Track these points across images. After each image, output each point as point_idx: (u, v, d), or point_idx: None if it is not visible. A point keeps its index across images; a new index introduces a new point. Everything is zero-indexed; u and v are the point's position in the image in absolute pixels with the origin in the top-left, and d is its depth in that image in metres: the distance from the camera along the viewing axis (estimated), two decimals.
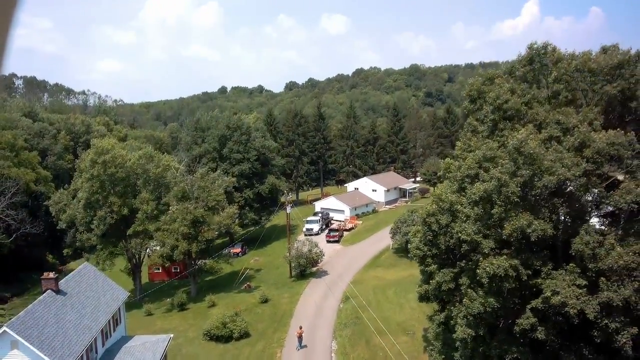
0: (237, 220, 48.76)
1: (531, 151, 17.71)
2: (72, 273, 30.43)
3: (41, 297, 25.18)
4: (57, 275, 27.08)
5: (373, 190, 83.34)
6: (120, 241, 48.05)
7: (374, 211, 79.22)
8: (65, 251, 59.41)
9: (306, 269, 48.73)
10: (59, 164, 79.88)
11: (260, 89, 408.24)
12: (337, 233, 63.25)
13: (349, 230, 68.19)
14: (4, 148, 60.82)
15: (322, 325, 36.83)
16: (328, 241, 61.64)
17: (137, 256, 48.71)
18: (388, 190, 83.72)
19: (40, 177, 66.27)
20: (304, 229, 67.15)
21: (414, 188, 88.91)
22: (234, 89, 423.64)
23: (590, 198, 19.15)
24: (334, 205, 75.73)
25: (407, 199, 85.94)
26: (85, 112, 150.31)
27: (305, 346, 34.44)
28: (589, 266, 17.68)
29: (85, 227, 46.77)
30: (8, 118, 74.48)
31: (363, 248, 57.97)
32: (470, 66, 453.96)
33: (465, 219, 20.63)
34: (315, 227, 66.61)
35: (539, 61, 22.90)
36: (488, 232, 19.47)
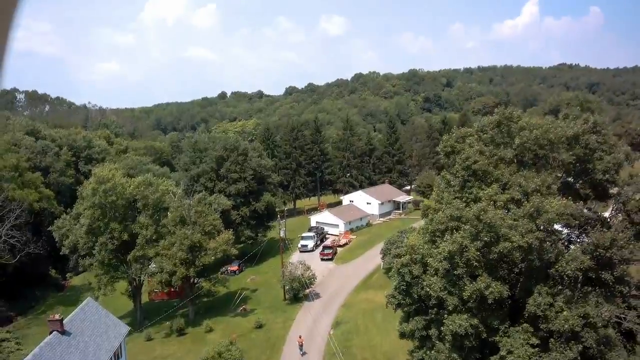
0: (232, 245, 50.38)
1: (489, 221, 19.68)
2: (76, 311, 32.36)
3: (48, 339, 27.12)
4: (62, 316, 28.93)
5: (367, 203, 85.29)
6: (121, 265, 50.07)
7: (368, 224, 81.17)
8: (68, 275, 61.38)
9: (299, 292, 50.64)
10: (61, 181, 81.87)
11: (259, 94, 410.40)
12: (331, 251, 65.17)
13: (343, 246, 70.13)
14: (9, 171, 62.79)
15: (312, 353, 38.79)
16: (322, 259, 63.59)
17: (137, 280, 50.70)
18: (382, 203, 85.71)
19: (43, 196, 68.24)
20: (299, 245, 69.15)
21: (408, 201, 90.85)
22: (233, 94, 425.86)
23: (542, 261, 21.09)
24: (329, 219, 77.64)
25: (401, 211, 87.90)
26: (86, 124, 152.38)
27: (306, 353, 38.97)
28: (541, 326, 19.64)
29: (87, 252, 48.83)
30: (10, 140, 76.43)
31: (355, 267, 59.92)
32: (468, 70, 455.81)
33: (434, 272, 22.59)
34: (310, 244, 68.55)
35: (506, 124, 24.85)
36: (452, 289, 21.43)
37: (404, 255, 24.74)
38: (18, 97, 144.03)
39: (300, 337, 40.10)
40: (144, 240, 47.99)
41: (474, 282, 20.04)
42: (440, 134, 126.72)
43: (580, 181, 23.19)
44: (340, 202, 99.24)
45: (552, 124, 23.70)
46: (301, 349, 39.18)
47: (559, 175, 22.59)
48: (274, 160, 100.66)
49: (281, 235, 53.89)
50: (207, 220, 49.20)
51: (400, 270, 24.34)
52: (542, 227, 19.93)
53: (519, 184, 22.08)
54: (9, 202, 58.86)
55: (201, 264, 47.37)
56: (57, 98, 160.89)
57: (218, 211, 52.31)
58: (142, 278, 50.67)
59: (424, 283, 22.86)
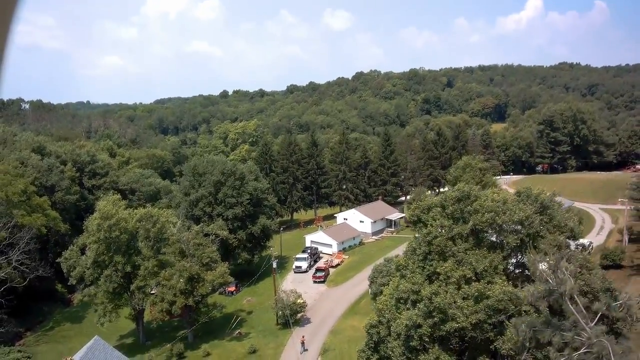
0: (227, 276, 53.89)
1: (439, 305, 23.07)
2: (84, 349, 35.96)
3: None
4: (71, 359, 32.52)
5: (361, 222, 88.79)
6: (125, 294, 53.69)
7: (361, 243, 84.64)
8: (76, 301, 64.92)
9: (291, 317, 54.19)
10: (66, 199, 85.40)
11: (261, 93, 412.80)
12: (323, 273, 68.66)
13: (336, 266, 73.66)
14: (18, 197, 66.20)
15: None
16: (314, 281, 67.21)
17: (139, 306, 54.31)
18: (375, 222, 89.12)
19: (50, 219, 71.72)
20: (294, 267, 72.83)
21: (400, 217, 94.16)
22: (235, 92, 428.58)
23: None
24: (323, 239, 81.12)
25: (392, 229, 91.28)
26: (89, 132, 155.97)
27: (307, 349, 47.66)
28: None
29: (93, 283, 52.44)
30: (16, 164, 79.76)
31: (345, 290, 63.44)
32: (469, 69, 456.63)
33: (396, 336, 26.04)
34: (304, 265, 72.17)
35: (464, 201, 28.14)
36: (410, 355, 24.89)
37: (372, 317, 28.19)
38: (23, 106, 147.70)
39: (302, 336, 48.87)
40: (146, 271, 51.53)
41: (425, 354, 23.49)
42: (435, 145, 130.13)
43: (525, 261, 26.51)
44: (335, 214, 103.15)
45: (503, 205, 26.97)
46: (302, 346, 47.59)
47: (506, 255, 25.92)
48: (271, 175, 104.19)
49: (274, 267, 57.39)
50: (205, 252, 52.72)
51: (369, 331, 27.79)
52: (484, 310, 23.28)
53: (470, 263, 25.44)
54: (19, 229, 62.32)
55: (200, 294, 50.92)
56: (62, 108, 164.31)
57: (216, 242, 55.77)
58: (144, 306, 54.20)
59: (389, 345, 26.32)
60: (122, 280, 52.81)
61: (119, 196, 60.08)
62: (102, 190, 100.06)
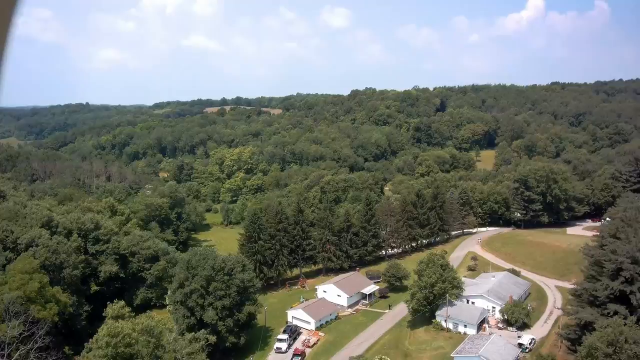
0: None
1: None
2: None
3: None
4: None
5: (338, 296, 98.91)
6: None
7: (337, 318, 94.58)
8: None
9: None
10: (74, 274, 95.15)
11: (258, 111, 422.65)
12: (299, 358, 78.64)
13: (312, 345, 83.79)
14: (35, 294, 75.91)
15: None
16: None
17: None
18: (351, 296, 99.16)
19: (62, 304, 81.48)
20: (275, 347, 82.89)
21: (375, 289, 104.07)
22: (232, 109, 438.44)
23: None
24: (302, 316, 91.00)
25: (367, 301, 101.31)
26: (91, 174, 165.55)
27: None
28: None
29: None
30: (29, 239, 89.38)
31: None
32: (462, 90, 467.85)
33: None
34: (284, 346, 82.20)
35: None
36: None
37: None
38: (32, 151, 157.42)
39: None
40: None
41: None
42: (414, 206, 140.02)
43: None
44: (320, 271, 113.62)
45: None
46: None
47: None
48: (259, 242, 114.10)
49: None
50: None
51: None
52: None
53: None
54: (34, 324, 71.94)
55: None
56: (67, 159, 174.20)
57: (205, 350, 65.71)
58: None
59: None
60: None
61: (122, 302, 69.95)
62: (105, 255, 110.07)
